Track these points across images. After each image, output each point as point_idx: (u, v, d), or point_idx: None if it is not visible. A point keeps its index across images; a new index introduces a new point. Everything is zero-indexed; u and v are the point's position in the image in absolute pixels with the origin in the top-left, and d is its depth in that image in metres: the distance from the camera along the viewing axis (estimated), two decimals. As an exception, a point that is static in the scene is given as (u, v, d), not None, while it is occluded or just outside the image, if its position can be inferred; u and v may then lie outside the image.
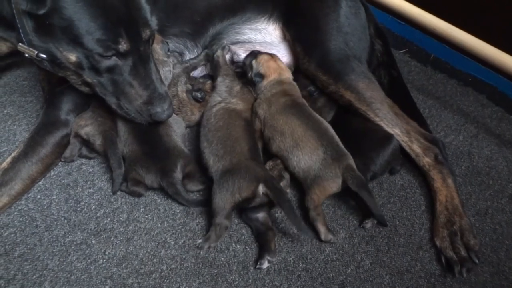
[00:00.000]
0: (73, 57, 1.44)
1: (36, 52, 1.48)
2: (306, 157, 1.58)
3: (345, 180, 1.55)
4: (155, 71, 1.57)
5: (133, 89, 1.54)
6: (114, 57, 1.46)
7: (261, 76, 1.86)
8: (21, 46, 1.50)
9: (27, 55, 1.51)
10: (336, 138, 1.65)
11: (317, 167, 1.56)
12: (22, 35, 1.47)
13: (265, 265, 1.48)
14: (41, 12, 1.36)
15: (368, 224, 1.59)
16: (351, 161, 1.58)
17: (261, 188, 1.51)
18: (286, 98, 1.76)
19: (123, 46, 1.43)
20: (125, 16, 1.42)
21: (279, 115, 1.69)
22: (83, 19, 1.37)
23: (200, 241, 1.52)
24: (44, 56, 1.48)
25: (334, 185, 1.56)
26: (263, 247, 1.51)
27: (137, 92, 1.54)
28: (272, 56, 1.92)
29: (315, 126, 1.66)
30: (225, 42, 1.98)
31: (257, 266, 1.48)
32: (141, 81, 1.53)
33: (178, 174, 1.59)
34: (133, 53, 1.48)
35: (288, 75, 1.87)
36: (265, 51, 1.98)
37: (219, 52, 1.95)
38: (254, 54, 1.92)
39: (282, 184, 1.62)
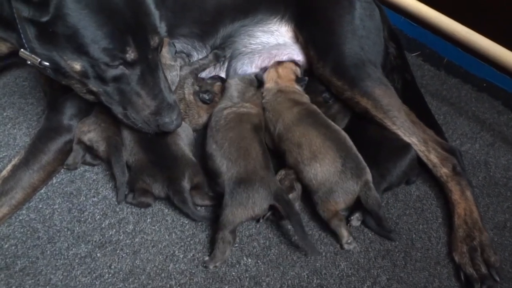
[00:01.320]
0: (77, 66, 1.37)
1: (39, 59, 1.40)
2: (324, 169, 1.52)
3: (361, 198, 1.50)
4: (164, 80, 1.50)
5: (141, 99, 1.47)
6: (121, 66, 1.39)
7: (262, 80, 1.83)
8: (23, 52, 1.43)
9: (29, 62, 1.44)
10: (355, 149, 1.59)
11: (335, 180, 1.50)
12: (24, 40, 1.40)
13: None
14: (44, 19, 1.29)
15: (354, 220, 1.55)
16: (369, 176, 1.52)
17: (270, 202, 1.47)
18: (299, 107, 1.69)
19: (130, 55, 1.36)
20: (133, 23, 1.35)
21: (296, 127, 1.62)
22: (88, 27, 1.30)
23: (206, 259, 1.46)
24: (47, 64, 1.41)
25: (348, 201, 1.52)
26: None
27: (144, 102, 1.47)
28: (279, 63, 1.87)
29: (334, 136, 1.59)
30: (240, 46, 1.90)
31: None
32: (149, 90, 1.46)
33: (185, 184, 1.52)
34: (141, 62, 1.41)
35: (286, 85, 1.79)
36: (279, 54, 1.92)
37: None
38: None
39: (292, 195, 1.56)
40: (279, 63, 1.88)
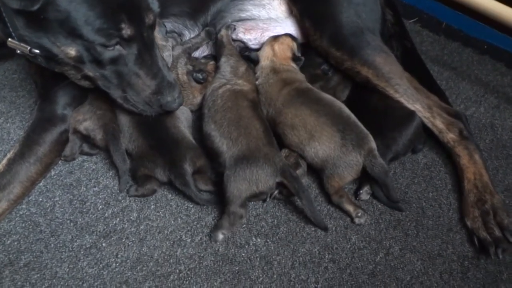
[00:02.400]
0: (72, 51, 1.32)
1: (29, 47, 1.35)
2: (323, 146, 1.48)
3: (366, 167, 1.46)
4: (161, 58, 1.46)
5: (140, 80, 1.42)
6: (117, 47, 1.34)
7: (257, 57, 1.77)
8: (11, 41, 1.38)
9: (18, 51, 1.39)
10: (353, 118, 1.55)
11: (337, 155, 1.47)
12: (11, 29, 1.35)
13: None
14: (35, 7, 1.23)
15: (363, 194, 1.52)
16: (373, 143, 1.49)
17: (276, 179, 1.44)
18: (288, 88, 1.64)
19: (126, 31, 1.31)
20: (125, 1, 1.30)
21: (286, 109, 1.58)
22: (80, 9, 1.25)
23: (213, 234, 1.43)
24: (37, 51, 1.36)
25: (354, 173, 1.49)
26: None
27: (144, 82, 1.43)
28: (275, 39, 1.80)
29: (327, 110, 1.55)
30: (230, 20, 1.85)
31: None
32: (148, 70, 1.41)
33: (187, 166, 1.48)
34: (137, 40, 1.36)
35: (281, 63, 1.74)
36: (270, 28, 1.86)
37: (223, 31, 1.82)
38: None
39: (298, 172, 1.52)
40: (275, 38, 1.82)
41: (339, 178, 1.47)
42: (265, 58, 1.77)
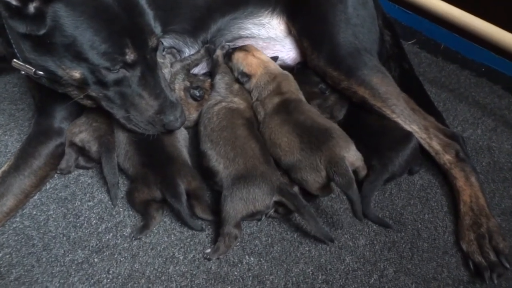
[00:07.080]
0: (77, 74, 1.35)
1: (34, 69, 1.38)
2: (284, 152, 1.51)
3: (329, 176, 1.42)
4: (164, 79, 1.49)
5: (144, 100, 1.44)
6: (121, 69, 1.36)
7: (247, 75, 1.75)
8: (16, 62, 1.40)
9: (23, 72, 1.41)
10: (317, 126, 1.52)
11: (297, 158, 1.48)
12: (16, 50, 1.38)
13: None
14: (42, 32, 1.26)
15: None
16: (338, 149, 1.44)
17: (274, 198, 1.43)
18: (279, 97, 1.65)
19: (130, 56, 1.34)
20: (129, 25, 1.33)
21: (268, 119, 1.62)
22: (86, 34, 1.28)
23: (208, 251, 1.42)
24: (42, 73, 1.38)
25: (317, 178, 1.45)
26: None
27: (147, 103, 1.45)
28: (247, 50, 1.81)
29: (292, 119, 1.56)
30: (224, 40, 1.88)
31: None
32: (151, 91, 1.44)
33: (180, 181, 1.46)
34: (140, 63, 1.39)
35: (274, 65, 1.78)
36: (269, 47, 1.88)
37: (218, 51, 1.85)
38: (228, 54, 1.82)
39: (294, 189, 1.52)
40: (246, 50, 1.80)
41: (304, 182, 1.47)
42: (257, 67, 1.75)
